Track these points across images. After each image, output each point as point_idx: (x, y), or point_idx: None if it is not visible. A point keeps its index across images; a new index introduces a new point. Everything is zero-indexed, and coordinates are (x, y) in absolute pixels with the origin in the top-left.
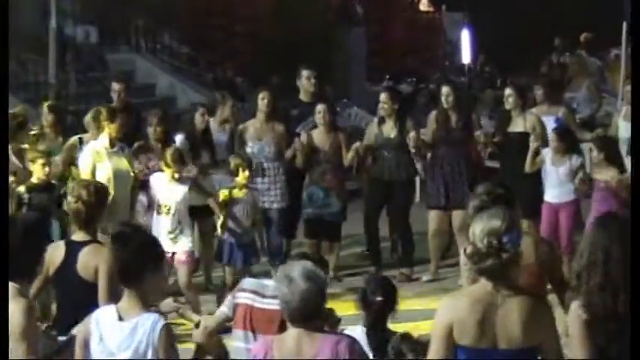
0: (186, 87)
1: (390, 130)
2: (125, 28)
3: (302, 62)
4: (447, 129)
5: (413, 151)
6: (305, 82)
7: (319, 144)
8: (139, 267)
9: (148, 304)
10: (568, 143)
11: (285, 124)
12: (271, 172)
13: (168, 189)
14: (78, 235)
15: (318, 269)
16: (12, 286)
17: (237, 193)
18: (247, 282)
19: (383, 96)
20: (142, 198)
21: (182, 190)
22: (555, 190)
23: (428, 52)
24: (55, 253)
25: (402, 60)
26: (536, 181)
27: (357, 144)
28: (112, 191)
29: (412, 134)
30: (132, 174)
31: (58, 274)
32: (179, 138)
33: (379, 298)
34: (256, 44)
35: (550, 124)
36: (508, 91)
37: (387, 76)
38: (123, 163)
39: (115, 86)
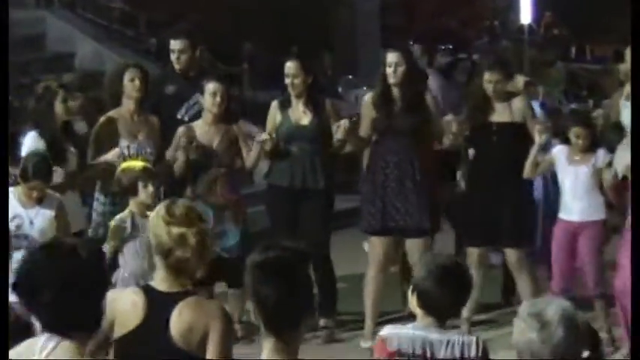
0: (118, 57)
1: (301, 114)
2: None
3: (287, 23)
4: (390, 115)
5: (337, 145)
6: (172, 55)
7: (205, 140)
8: (299, 310)
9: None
10: (594, 135)
11: (158, 106)
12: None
13: (25, 214)
14: (165, 282)
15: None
16: (70, 347)
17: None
18: (395, 337)
19: (289, 66)
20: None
21: (45, 216)
22: (576, 202)
23: (470, 7)
24: (124, 305)
25: (434, 18)
26: (529, 192)
27: (263, 135)
28: None
29: (344, 122)
30: None
31: (134, 338)
32: (30, 136)
33: (586, 354)
34: None
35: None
36: (488, 76)
37: (411, 42)
38: None
39: None
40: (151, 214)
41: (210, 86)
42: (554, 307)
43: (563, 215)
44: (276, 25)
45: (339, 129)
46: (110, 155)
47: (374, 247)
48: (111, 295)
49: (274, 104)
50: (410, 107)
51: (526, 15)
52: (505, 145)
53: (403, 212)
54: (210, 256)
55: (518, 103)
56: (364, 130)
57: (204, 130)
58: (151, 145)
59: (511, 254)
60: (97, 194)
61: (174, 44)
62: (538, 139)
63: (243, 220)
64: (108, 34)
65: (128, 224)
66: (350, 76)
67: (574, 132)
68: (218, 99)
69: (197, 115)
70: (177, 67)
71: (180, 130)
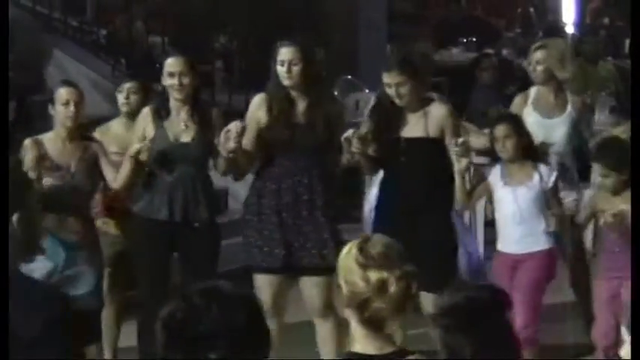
0: (60, 52)
1: (181, 128)
2: None
3: (271, 10)
4: (288, 125)
5: (228, 159)
6: None
7: (60, 160)
8: None
9: None
10: (529, 140)
11: None
12: None
13: None
14: (371, 343)
15: None
16: None
17: None
18: None
19: (172, 63)
20: None
21: None
22: (514, 230)
23: None
24: None
25: (453, 5)
26: (448, 224)
27: (135, 146)
28: None
29: (235, 125)
30: None
31: None
32: None
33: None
34: None
35: None
36: (387, 78)
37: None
38: None
39: None
40: (340, 257)
41: (62, 92)
42: None
43: (501, 247)
44: (258, 13)
45: (228, 135)
46: None
47: (262, 289)
48: None
49: (146, 112)
50: (312, 117)
51: (568, 2)
52: (417, 167)
53: (309, 247)
54: (411, 308)
55: (435, 111)
56: (249, 141)
57: (57, 146)
58: None
59: (427, 300)
60: None
61: None
62: (457, 160)
63: (101, 262)
64: (47, 23)
65: None
66: (348, 76)
67: (498, 132)
68: (72, 108)
69: None
70: None
71: (26, 143)
